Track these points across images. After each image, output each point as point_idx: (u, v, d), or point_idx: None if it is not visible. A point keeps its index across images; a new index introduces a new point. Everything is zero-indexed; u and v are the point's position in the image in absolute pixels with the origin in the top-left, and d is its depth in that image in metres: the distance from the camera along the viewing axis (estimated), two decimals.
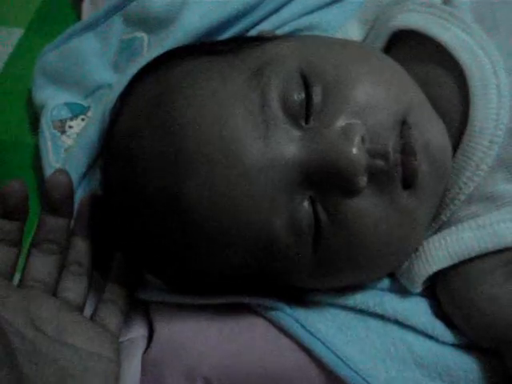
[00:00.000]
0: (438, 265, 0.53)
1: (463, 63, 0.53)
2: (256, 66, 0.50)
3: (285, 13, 0.67)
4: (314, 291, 0.56)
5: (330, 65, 0.50)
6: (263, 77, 0.49)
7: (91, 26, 0.73)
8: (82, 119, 0.70)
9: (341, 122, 0.48)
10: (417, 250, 0.54)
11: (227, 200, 0.47)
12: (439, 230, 0.55)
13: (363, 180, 0.47)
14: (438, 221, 0.55)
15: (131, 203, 0.52)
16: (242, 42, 0.56)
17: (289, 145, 0.47)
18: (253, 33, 0.67)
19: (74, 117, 0.70)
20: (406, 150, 0.48)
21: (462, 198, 0.53)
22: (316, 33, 0.66)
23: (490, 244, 0.51)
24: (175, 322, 0.56)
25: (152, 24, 0.69)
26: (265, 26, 0.67)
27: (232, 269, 0.51)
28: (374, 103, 0.49)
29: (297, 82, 0.48)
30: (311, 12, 0.68)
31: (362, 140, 0.47)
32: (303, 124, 0.48)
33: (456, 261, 0.52)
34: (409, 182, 0.49)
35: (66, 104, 0.71)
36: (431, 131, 0.50)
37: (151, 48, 0.68)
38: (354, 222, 0.48)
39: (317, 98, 0.48)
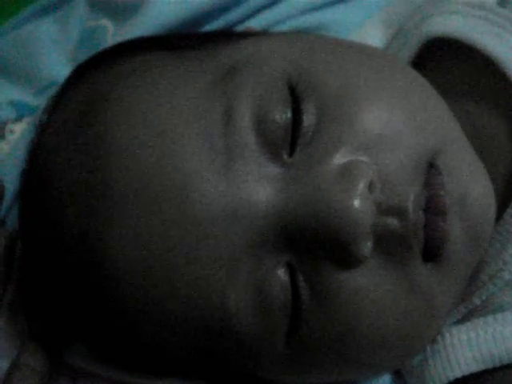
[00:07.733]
0: (464, 369, 0.44)
1: None
2: (224, 68, 0.41)
3: (283, 7, 0.58)
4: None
5: (331, 74, 0.41)
6: (232, 82, 0.40)
7: (50, 9, 0.65)
8: (28, 123, 0.62)
9: (340, 158, 0.38)
10: (434, 340, 0.45)
11: (163, 261, 0.38)
12: (468, 317, 0.45)
13: (367, 247, 0.38)
14: (468, 304, 0.46)
15: (44, 250, 0.44)
16: (213, 37, 0.47)
17: (261, 186, 0.38)
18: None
19: (19, 119, 0.63)
20: (433, 206, 0.39)
21: (507, 277, 0.44)
22: None
23: None
24: None
25: (118, 10, 0.61)
26: (255, 23, 0.58)
27: (169, 350, 0.43)
28: (391, 135, 0.39)
29: (281, 95, 0.39)
30: (319, 8, 0.58)
31: (370, 187, 0.38)
32: (285, 157, 0.39)
33: (491, 366, 0.43)
34: (432, 253, 0.39)
35: (12, 102, 0.64)
36: (470, 181, 0.41)
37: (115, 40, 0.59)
38: (349, 304, 0.39)
39: (308, 119, 0.39)
